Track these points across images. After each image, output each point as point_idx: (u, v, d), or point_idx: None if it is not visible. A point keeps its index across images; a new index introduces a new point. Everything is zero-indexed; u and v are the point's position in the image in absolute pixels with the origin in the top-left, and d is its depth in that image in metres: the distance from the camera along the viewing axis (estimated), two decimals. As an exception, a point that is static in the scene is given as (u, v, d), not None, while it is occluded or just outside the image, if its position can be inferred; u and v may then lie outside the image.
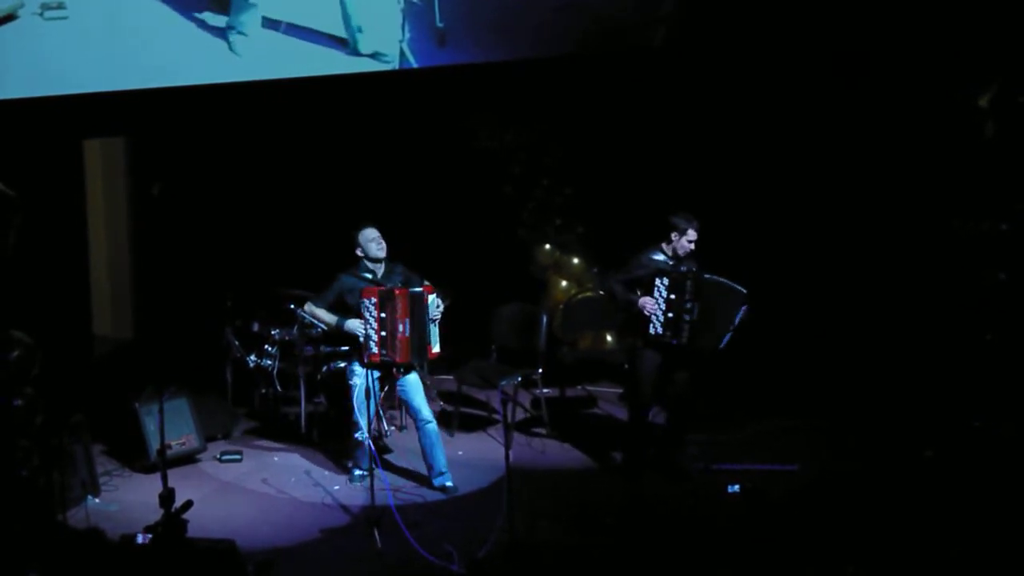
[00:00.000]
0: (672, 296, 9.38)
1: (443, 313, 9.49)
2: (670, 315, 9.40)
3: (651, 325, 9.44)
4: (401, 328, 9.30)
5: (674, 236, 9.50)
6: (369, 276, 9.44)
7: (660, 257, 9.58)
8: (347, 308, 9.45)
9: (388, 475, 9.63)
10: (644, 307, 9.39)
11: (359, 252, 9.47)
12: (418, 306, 9.35)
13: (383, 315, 9.28)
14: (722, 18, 11.48)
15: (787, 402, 11.16)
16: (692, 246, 9.52)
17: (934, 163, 10.79)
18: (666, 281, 9.41)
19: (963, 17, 10.45)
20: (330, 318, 9.55)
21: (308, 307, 9.72)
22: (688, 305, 9.37)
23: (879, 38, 11.03)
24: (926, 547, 7.82)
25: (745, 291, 9.43)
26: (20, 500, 7.50)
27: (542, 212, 12.99)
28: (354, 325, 9.35)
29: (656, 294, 9.41)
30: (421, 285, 9.49)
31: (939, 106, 10.63)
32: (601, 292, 10.75)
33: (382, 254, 9.47)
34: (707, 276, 9.43)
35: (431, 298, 9.42)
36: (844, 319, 11.50)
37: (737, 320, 9.43)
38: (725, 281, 9.45)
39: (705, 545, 8.24)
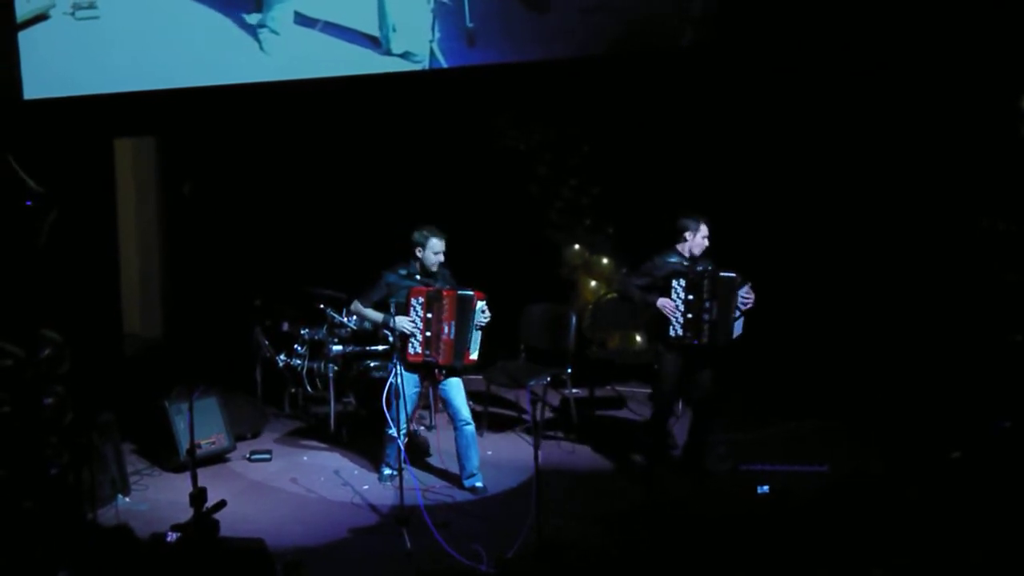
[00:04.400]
0: (690, 297, 9.39)
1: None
2: (689, 316, 9.41)
3: (671, 327, 9.44)
4: (446, 330, 9.32)
5: (687, 236, 9.52)
6: (418, 277, 9.44)
7: (674, 259, 9.58)
8: (388, 307, 9.43)
9: (417, 474, 9.63)
10: (664, 308, 9.39)
11: (418, 253, 9.45)
12: (465, 309, 9.36)
13: (429, 315, 9.29)
14: (751, 18, 11.44)
15: (816, 403, 11.13)
16: (707, 243, 9.52)
17: (966, 164, 10.74)
18: (683, 282, 9.41)
19: (1003, 17, 10.39)
20: (377, 316, 9.53)
21: (355, 306, 9.68)
22: (707, 304, 9.38)
23: (916, 38, 10.97)
24: (953, 549, 7.77)
25: (735, 275, 9.46)
26: (50, 498, 7.53)
27: (571, 212, 12.97)
28: (402, 323, 9.33)
29: (674, 295, 9.41)
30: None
31: (975, 106, 10.59)
32: (620, 295, 10.71)
33: (435, 269, 9.47)
34: (723, 274, 9.43)
35: (480, 304, 9.42)
36: (874, 319, 11.46)
37: (741, 305, 9.43)
38: (727, 273, 9.45)
39: (734, 546, 8.20)
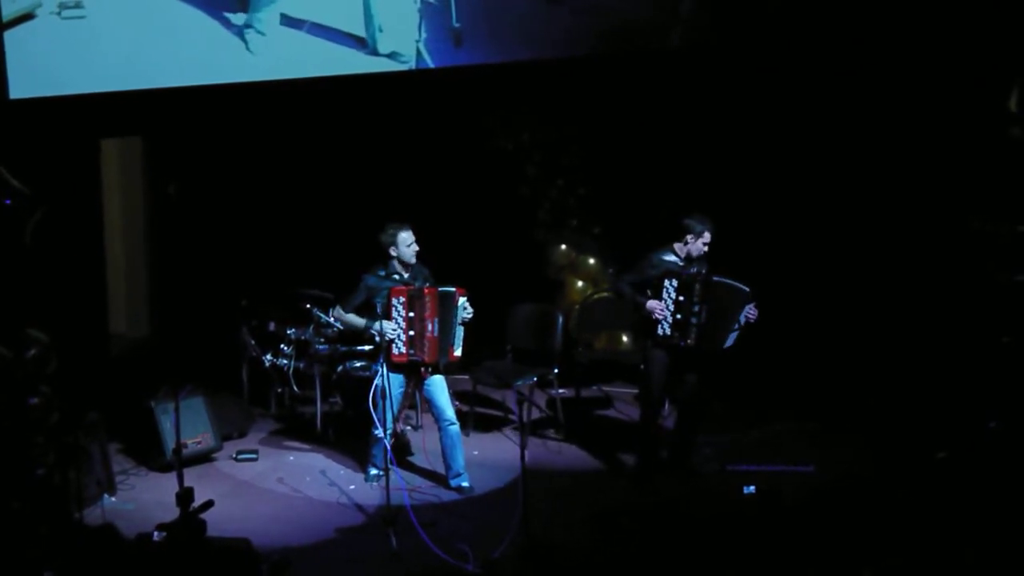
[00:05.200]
0: (681, 298, 9.38)
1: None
2: (678, 316, 9.40)
3: (659, 326, 9.44)
4: (430, 327, 9.32)
5: (689, 238, 9.49)
6: (397, 276, 9.44)
7: (671, 258, 9.56)
8: (371, 309, 9.43)
9: (404, 474, 9.63)
10: (653, 310, 9.39)
11: (392, 252, 9.45)
12: (447, 305, 9.38)
13: (411, 314, 9.29)
14: (740, 19, 11.45)
15: (802, 403, 11.15)
16: (706, 248, 9.51)
17: (955, 164, 10.75)
18: (675, 283, 9.40)
19: (993, 17, 10.41)
20: (359, 321, 9.54)
21: (336, 313, 9.68)
22: (696, 308, 9.36)
23: (905, 38, 10.99)
24: (941, 549, 7.79)
25: (748, 289, 9.41)
26: (36, 498, 7.51)
27: (558, 212, 12.98)
28: (385, 327, 9.31)
29: (665, 295, 9.40)
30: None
31: (963, 107, 10.60)
32: (612, 292, 10.74)
33: (414, 259, 9.47)
34: (716, 278, 9.42)
35: (461, 300, 9.43)
36: (861, 320, 11.48)
37: (742, 319, 9.41)
38: (731, 282, 9.43)
39: (720, 546, 8.22)
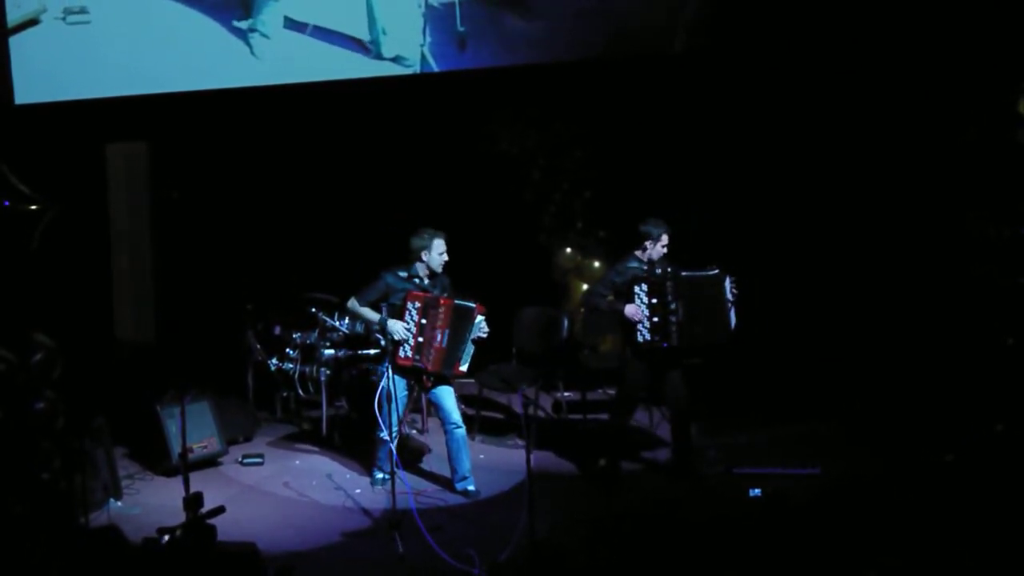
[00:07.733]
0: (654, 300, 9.40)
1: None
2: (655, 319, 9.40)
3: (638, 333, 9.44)
4: (439, 338, 9.30)
5: (648, 244, 9.53)
6: (417, 280, 9.43)
7: (634, 264, 9.58)
8: (384, 308, 9.43)
9: (409, 478, 9.63)
10: (631, 316, 9.38)
11: (423, 256, 9.43)
12: (461, 320, 9.35)
13: (423, 321, 9.27)
14: (743, 23, 11.45)
15: (809, 405, 11.13)
16: (665, 251, 9.53)
17: (961, 168, 10.74)
18: (645, 287, 9.42)
19: (1002, 21, 10.41)
20: (373, 315, 9.50)
21: (351, 304, 9.58)
22: (672, 306, 9.38)
23: (912, 42, 10.98)
24: (947, 552, 7.78)
25: (717, 270, 9.49)
26: (42, 503, 7.52)
27: (563, 216, 12.97)
28: (396, 327, 9.32)
29: (637, 301, 9.41)
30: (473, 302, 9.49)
31: (970, 110, 10.60)
32: (587, 309, 10.71)
33: (440, 269, 9.47)
34: (685, 273, 9.44)
35: (479, 319, 9.41)
36: (867, 322, 11.47)
37: (730, 297, 9.43)
38: (699, 273, 9.49)
39: (727, 550, 8.20)
